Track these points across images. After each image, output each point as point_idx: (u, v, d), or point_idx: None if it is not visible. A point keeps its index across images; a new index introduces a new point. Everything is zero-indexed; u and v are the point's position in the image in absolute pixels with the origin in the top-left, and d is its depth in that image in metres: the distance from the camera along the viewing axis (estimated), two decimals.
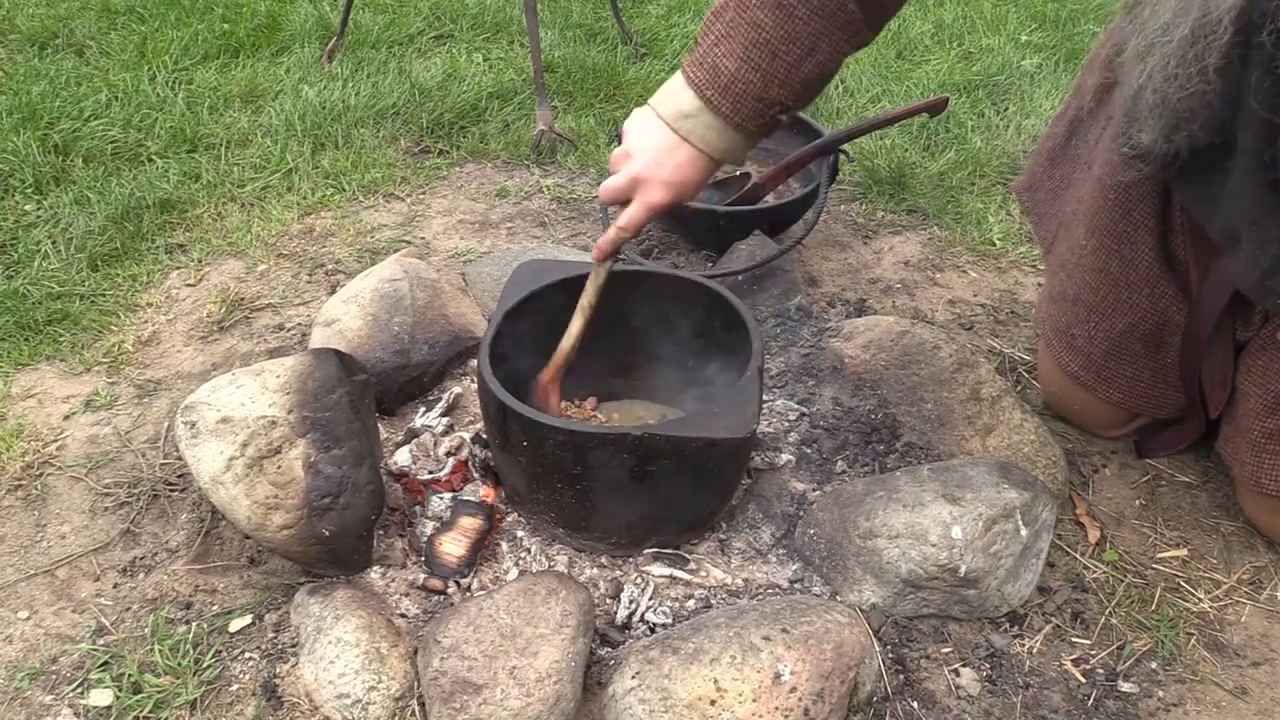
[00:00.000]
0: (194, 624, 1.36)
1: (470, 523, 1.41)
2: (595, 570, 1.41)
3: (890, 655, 1.32)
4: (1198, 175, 1.23)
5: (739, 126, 1.21)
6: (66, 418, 1.71)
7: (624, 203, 1.30)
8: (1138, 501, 1.59)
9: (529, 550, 1.44)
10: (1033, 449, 1.53)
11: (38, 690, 1.29)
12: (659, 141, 1.25)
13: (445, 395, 1.68)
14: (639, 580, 1.39)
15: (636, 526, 1.38)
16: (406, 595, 1.38)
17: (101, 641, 1.35)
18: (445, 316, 1.74)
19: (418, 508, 1.49)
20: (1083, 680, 1.32)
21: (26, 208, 2.21)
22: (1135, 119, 1.20)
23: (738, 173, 2.12)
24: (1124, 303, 1.49)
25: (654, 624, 1.33)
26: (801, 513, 1.47)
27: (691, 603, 1.36)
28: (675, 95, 1.24)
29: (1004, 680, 1.31)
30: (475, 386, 1.62)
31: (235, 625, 1.35)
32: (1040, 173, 1.66)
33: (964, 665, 1.33)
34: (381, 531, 1.44)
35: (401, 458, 1.53)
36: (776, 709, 1.14)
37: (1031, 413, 1.60)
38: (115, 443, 1.66)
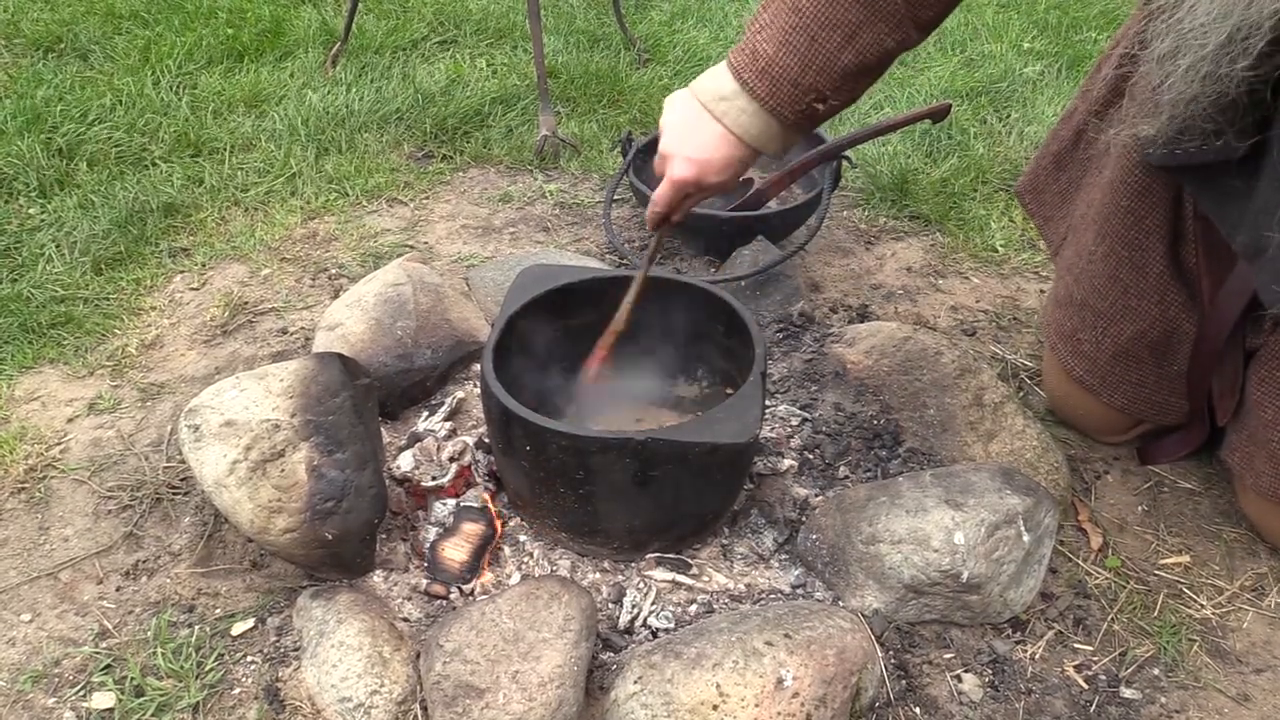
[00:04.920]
0: (196, 627, 1.36)
1: (473, 528, 1.41)
2: (598, 575, 1.41)
3: (893, 661, 1.32)
4: (1222, 184, 1.22)
5: (774, 111, 1.21)
6: (70, 421, 1.71)
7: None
8: (1140, 508, 1.59)
9: (531, 554, 1.44)
10: (1035, 455, 1.53)
11: (40, 693, 1.29)
12: (689, 117, 1.27)
13: (448, 400, 1.68)
14: (641, 585, 1.39)
15: (639, 531, 1.38)
16: (409, 599, 1.38)
17: (104, 644, 1.35)
18: (448, 321, 1.74)
19: (420, 513, 1.49)
20: (1085, 686, 1.32)
21: (30, 211, 2.21)
22: (1145, 110, 1.19)
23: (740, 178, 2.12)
24: (1132, 309, 1.48)
25: (656, 629, 1.33)
26: (804, 518, 1.47)
27: (694, 608, 1.36)
28: (715, 78, 1.25)
29: (1006, 686, 1.31)
30: (478, 391, 1.63)
31: (238, 628, 1.36)
32: (1045, 176, 1.66)
33: (966, 671, 1.33)
34: (384, 535, 1.44)
35: (404, 462, 1.54)
36: (779, 714, 1.14)
37: (1034, 419, 1.60)
38: (118, 446, 1.66)
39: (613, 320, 1.47)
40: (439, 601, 1.37)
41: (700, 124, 1.26)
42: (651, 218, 1.39)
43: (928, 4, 1.20)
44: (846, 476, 1.55)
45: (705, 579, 1.40)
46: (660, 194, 1.33)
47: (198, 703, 1.26)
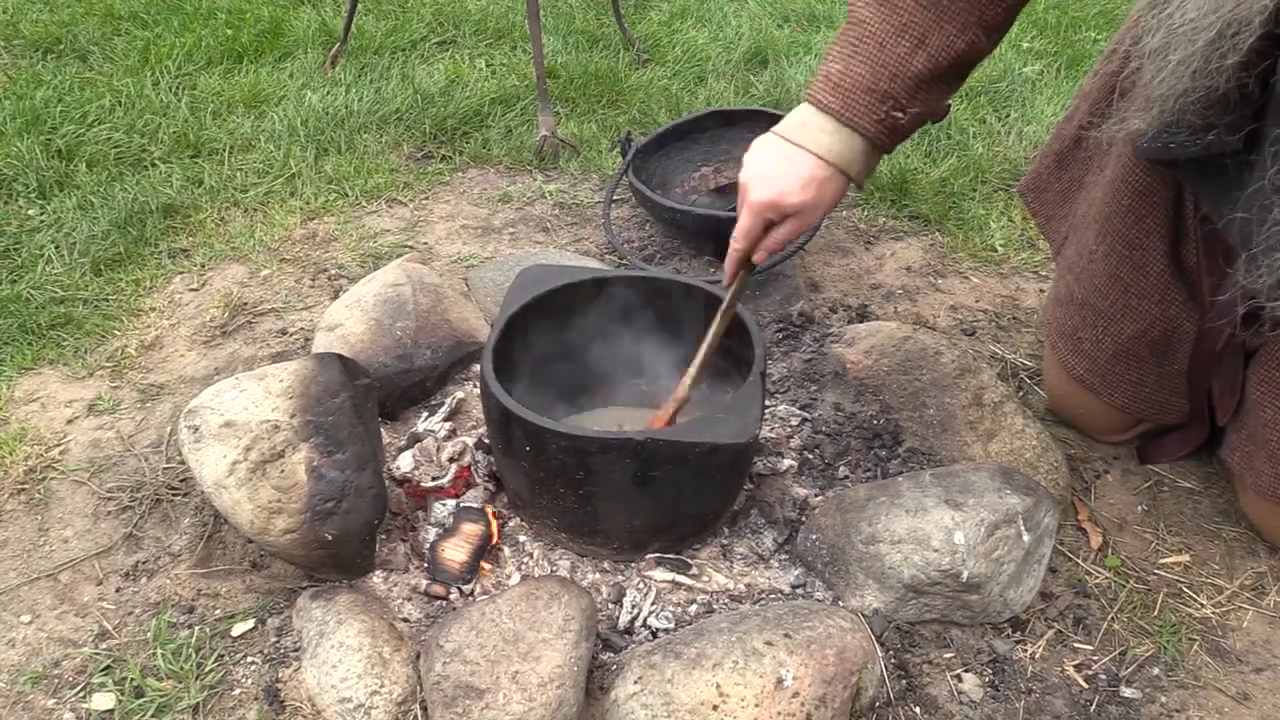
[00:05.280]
0: (196, 628, 1.36)
1: (473, 529, 1.41)
2: (597, 575, 1.41)
3: (893, 660, 1.32)
4: (1214, 177, 1.23)
5: (852, 124, 1.20)
6: (69, 422, 1.71)
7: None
8: (1140, 507, 1.59)
9: (531, 555, 1.44)
10: (1035, 454, 1.53)
11: (40, 694, 1.29)
12: (767, 147, 1.25)
13: (448, 400, 1.68)
14: (641, 585, 1.39)
15: (639, 531, 1.38)
16: (409, 599, 1.38)
17: (104, 645, 1.35)
18: (448, 321, 1.74)
19: (420, 513, 1.49)
20: (1085, 686, 1.32)
21: (30, 212, 2.21)
22: (1138, 105, 1.19)
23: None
24: (1133, 309, 1.48)
25: (656, 629, 1.33)
26: (804, 518, 1.47)
27: (694, 608, 1.36)
28: (792, 113, 1.24)
29: (1006, 686, 1.31)
30: (478, 391, 1.63)
31: (238, 629, 1.36)
32: (1047, 175, 1.66)
33: (966, 671, 1.33)
34: (384, 536, 1.44)
35: (404, 462, 1.54)
36: (779, 714, 1.14)
37: (1033, 418, 1.60)
38: (118, 447, 1.66)
39: (682, 382, 1.41)
40: (439, 602, 1.37)
41: (779, 148, 1.24)
42: (731, 257, 1.32)
43: (990, 3, 1.19)
44: (846, 476, 1.55)
45: (705, 579, 1.40)
46: (740, 227, 1.28)
47: (198, 704, 1.26)
